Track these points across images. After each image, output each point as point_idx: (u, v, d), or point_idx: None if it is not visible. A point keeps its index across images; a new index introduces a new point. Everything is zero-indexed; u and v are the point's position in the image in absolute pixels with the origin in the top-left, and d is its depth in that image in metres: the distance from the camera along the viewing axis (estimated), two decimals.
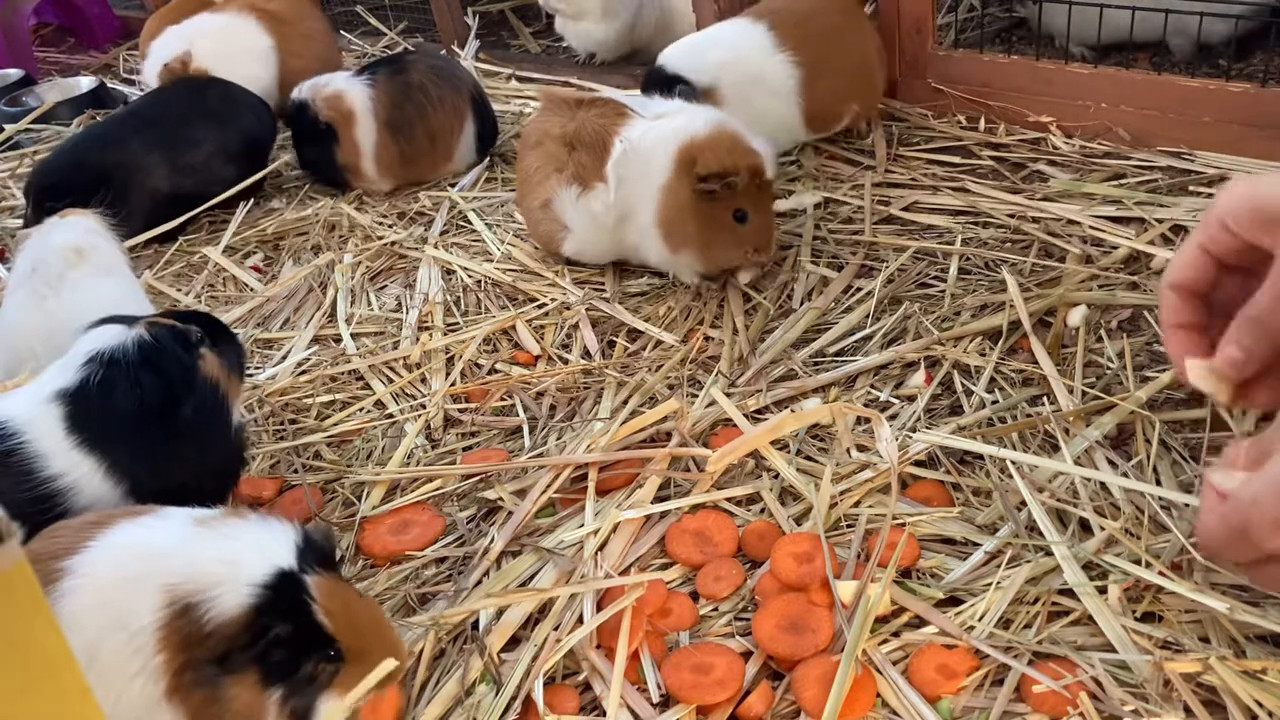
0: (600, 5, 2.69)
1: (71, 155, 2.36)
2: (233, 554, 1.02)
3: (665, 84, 2.04)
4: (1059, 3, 2.06)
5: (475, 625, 1.23)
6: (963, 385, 1.50)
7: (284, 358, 1.84)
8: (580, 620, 1.18)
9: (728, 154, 1.68)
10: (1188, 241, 1.02)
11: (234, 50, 2.73)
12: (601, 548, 1.30)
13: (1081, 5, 2.03)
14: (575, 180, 1.83)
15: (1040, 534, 1.22)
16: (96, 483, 1.25)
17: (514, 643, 1.21)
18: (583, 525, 1.34)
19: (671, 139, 1.73)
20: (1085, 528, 1.23)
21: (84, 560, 1.02)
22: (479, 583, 1.29)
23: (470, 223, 2.20)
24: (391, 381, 1.72)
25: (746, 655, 1.15)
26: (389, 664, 1.00)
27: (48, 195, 2.16)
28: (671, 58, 2.12)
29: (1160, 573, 1.13)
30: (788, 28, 2.10)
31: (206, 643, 0.98)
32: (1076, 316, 1.58)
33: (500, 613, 1.23)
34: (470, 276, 1.98)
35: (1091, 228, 1.80)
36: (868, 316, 1.69)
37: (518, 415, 1.60)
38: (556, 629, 1.19)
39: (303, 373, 1.78)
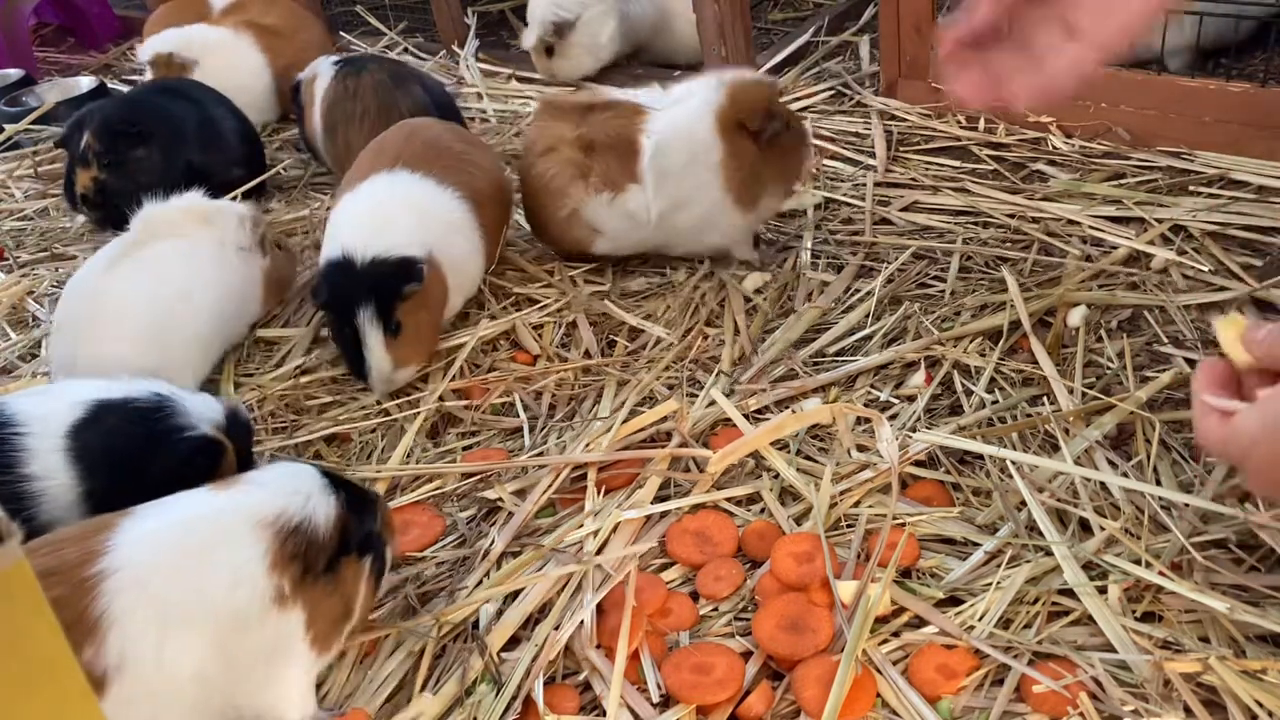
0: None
1: (128, 100, 2.40)
2: (287, 482, 1.13)
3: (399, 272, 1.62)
4: None
5: (475, 625, 1.23)
6: (963, 385, 1.50)
7: (284, 357, 1.84)
8: (580, 621, 1.18)
9: (760, 96, 1.75)
10: None
11: (226, 73, 2.66)
12: (602, 548, 1.30)
13: None
14: (606, 186, 1.80)
15: (1040, 534, 1.22)
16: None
17: (514, 642, 1.21)
18: (583, 525, 1.34)
19: (706, 114, 1.76)
20: (1085, 528, 1.23)
21: (122, 557, 1.03)
22: (479, 583, 1.29)
23: None
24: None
25: (746, 655, 1.15)
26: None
27: (107, 133, 2.20)
28: (377, 245, 1.64)
29: (1160, 573, 1.13)
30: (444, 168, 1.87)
31: (327, 546, 1.10)
32: (1076, 316, 1.58)
33: (500, 612, 1.23)
34: None
35: (1091, 228, 1.80)
36: (868, 316, 1.69)
37: (518, 415, 1.60)
38: (557, 629, 1.19)
39: (303, 373, 1.77)
